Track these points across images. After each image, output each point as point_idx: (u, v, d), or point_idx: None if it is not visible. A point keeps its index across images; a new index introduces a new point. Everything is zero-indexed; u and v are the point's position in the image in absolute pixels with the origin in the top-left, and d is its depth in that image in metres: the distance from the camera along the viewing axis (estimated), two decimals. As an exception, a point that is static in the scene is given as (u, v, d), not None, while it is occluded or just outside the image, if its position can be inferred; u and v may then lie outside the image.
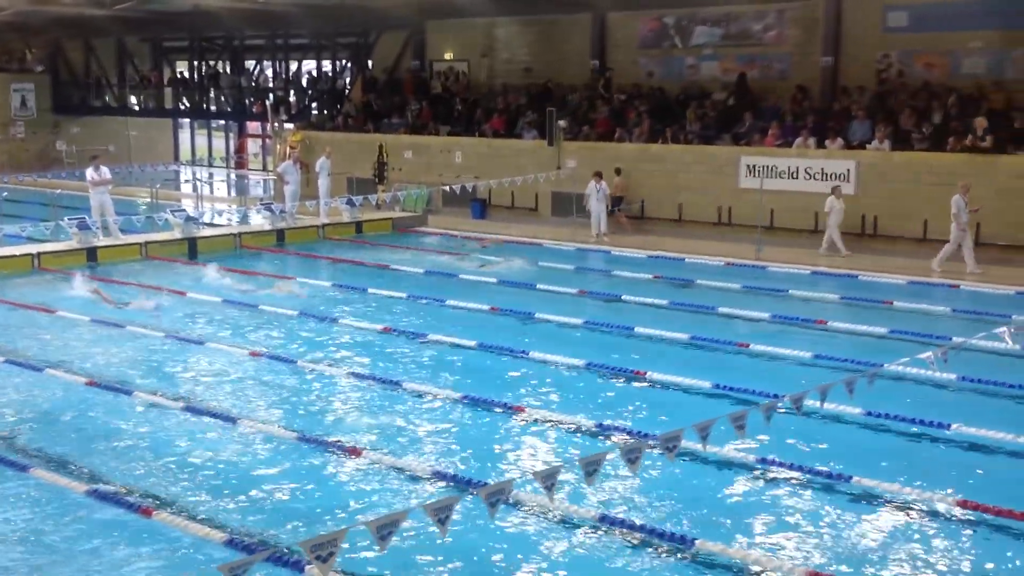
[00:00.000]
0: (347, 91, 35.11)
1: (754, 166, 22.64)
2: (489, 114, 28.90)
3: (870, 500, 8.81)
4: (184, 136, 42.99)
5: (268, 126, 33.92)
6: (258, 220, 24.49)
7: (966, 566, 7.70)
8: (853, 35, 24.64)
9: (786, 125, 23.54)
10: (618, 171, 24.50)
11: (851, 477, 9.07)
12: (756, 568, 7.57)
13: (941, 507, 8.57)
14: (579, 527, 8.29)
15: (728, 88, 26.05)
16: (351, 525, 5.64)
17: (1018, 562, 7.75)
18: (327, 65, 37.67)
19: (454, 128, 29.17)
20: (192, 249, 21.14)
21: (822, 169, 21.94)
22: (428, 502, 5.76)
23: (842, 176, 21.63)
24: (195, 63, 40.65)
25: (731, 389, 11.62)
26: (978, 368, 11.91)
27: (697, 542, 7.84)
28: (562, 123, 25.73)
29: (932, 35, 23.49)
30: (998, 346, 11.14)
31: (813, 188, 21.96)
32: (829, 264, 19.70)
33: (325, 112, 34.60)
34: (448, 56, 32.51)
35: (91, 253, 20.19)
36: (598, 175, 22.88)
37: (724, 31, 26.74)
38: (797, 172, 22.20)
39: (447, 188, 24.33)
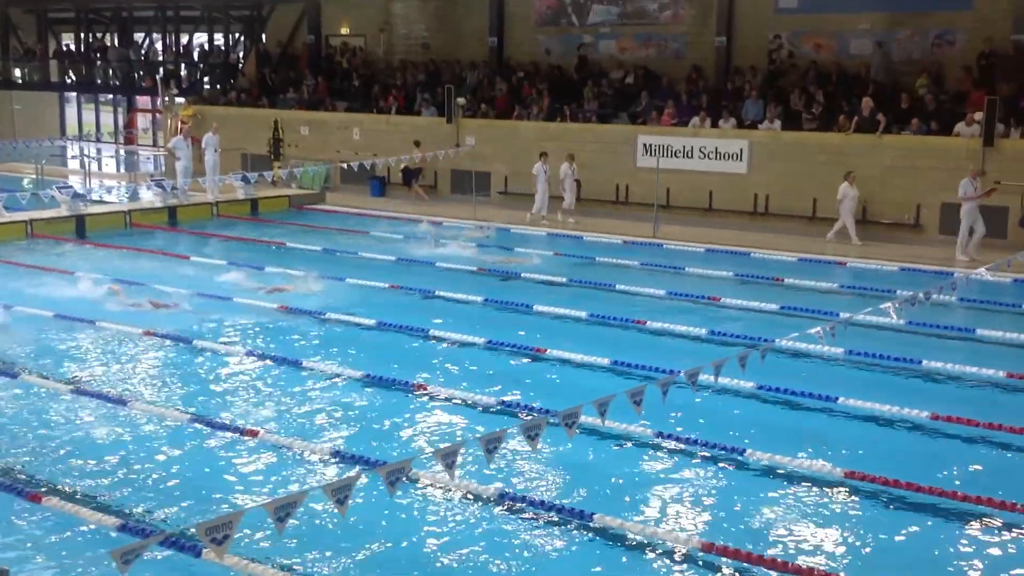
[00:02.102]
0: (240, 65, 34.39)
1: (651, 145, 22.92)
2: (387, 90, 28.64)
3: (762, 472, 9.04)
4: (71, 111, 41.60)
5: (158, 101, 33.04)
6: (149, 197, 23.89)
7: (853, 534, 7.97)
8: (746, 16, 25.07)
9: (681, 105, 23.86)
10: (417, 143, 25.16)
11: (744, 450, 9.29)
12: (654, 541, 7.72)
13: (830, 478, 8.84)
14: (480, 504, 8.33)
15: (625, 67, 26.28)
16: (247, 507, 5.56)
17: (902, 529, 8.04)
18: (219, 38, 36.81)
19: (351, 104, 28.83)
20: (80, 227, 20.54)
21: (716, 148, 22.32)
22: (327, 482, 5.73)
23: (735, 155, 22.04)
24: (82, 35, 39.31)
25: (629, 365, 11.79)
26: (865, 342, 12.30)
27: (596, 516, 7.95)
28: (461, 100, 25.65)
29: (821, 16, 24.04)
30: (884, 321, 11.52)
31: (707, 167, 22.35)
32: (835, 251, 19.26)
33: (218, 86, 33.83)
34: (344, 31, 32.08)
35: (-28, 231, 19.47)
36: (571, 157, 22.56)
37: (621, 10, 26.93)
38: (692, 151, 22.55)
39: (345, 165, 24.07)
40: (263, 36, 34.55)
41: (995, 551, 7.67)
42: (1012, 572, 7.38)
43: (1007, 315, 14.67)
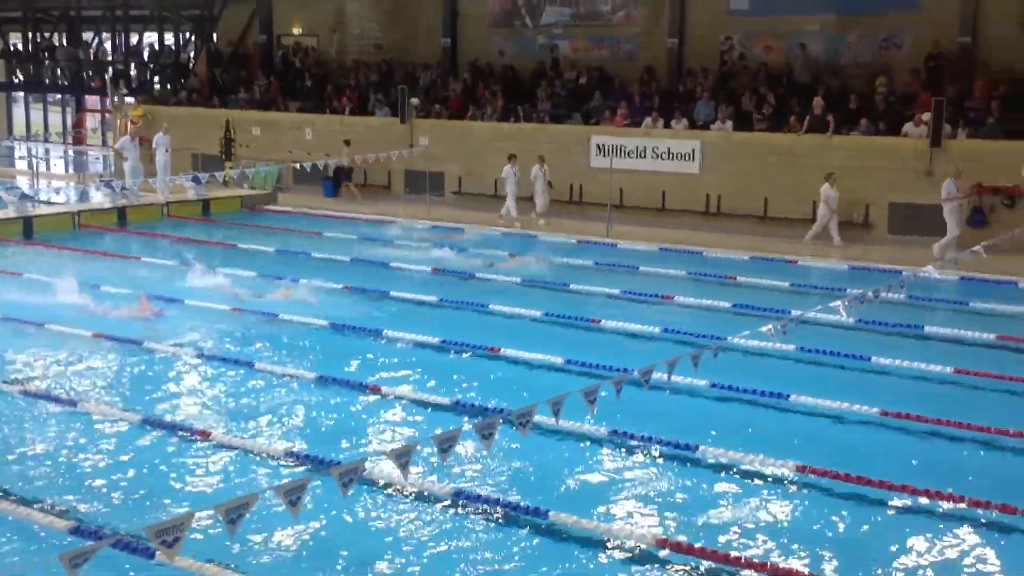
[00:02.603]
0: (191, 65, 34.07)
1: (604, 145, 23.02)
2: (340, 90, 28.50)
3: (716, 469, 9.11)
4: (19, 110, 40.96)
5: (107, 100, 32.62)
6: (98, 198, 23.58)
7: (806, 528, 8.06)
8: (697, 18, 25.27)
9: (634, 105, 23.99)
10: (347, 142, 25.19)
11: (698, 447, 9.36)
12: (608, 538, 7.75)
13: (781, 473, 8.93)
14: (435, 503, 8.32)
15: (578, 68, 26.37)
16: (198, 509, 5.51)
17: (853, 523, 8.14)
18: (170, 38, 36.41)
19: (304, 104, 28.66)
20: (28, 228, 20.21)
21: (668, 149, 22.46)
22: (279, 483, 5.69)
23: (687, 156, 22.19)
24: (30, 35, 38.67)
25: (583, 364, 11.83)
26: (816, 340, 12.44)
27: (551, 514, 7.97)
28: (414, 101, 25.59)
29: (771, 19, 24.30)
30: (834, 318, 11.65)
31: (660, 167, 22.50)
32: (813, 252, 19.25)
33: (168, 86, 33.49)
34: (296, 30, 31.88)
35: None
36: (541, 159, 22.45)
37: (574, 11, 27.02)
38: (645, 152, 22.67)
39: (298, 165, 23.92)
40: (214, 35, 34.22)
41: (944, 543, 7.79)
42: (961, 563, 7.50)
43: (954, 312, 14.91)
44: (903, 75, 22.30)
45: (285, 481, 6.32)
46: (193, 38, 35.81)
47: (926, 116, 19.98)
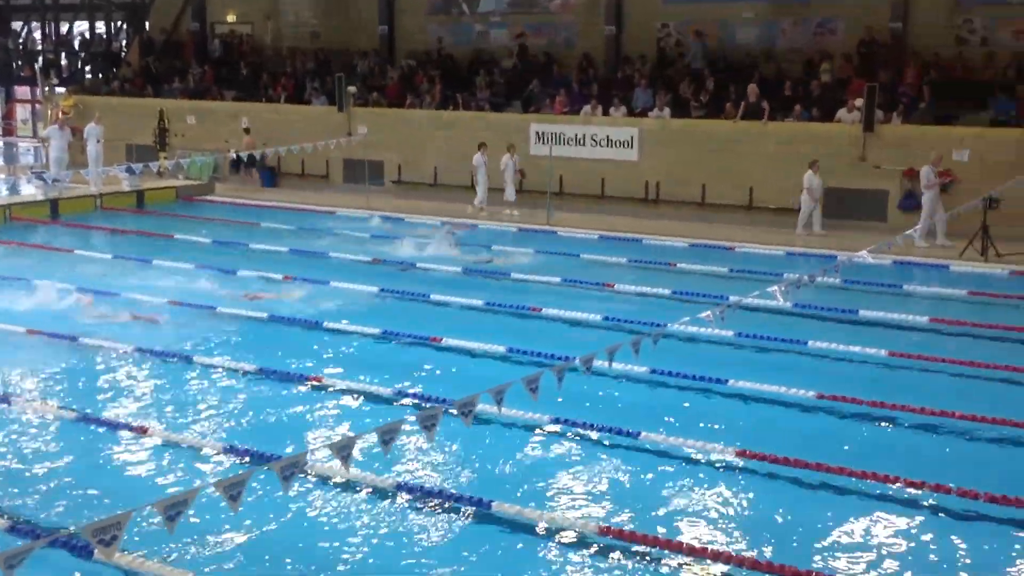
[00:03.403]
0: (123, 54, 33.47)
1: (543, 133, 23.04)
2: (276, 79, 28.20)
3: (657, 455, 9.19)
4: (-56, 101, 39.90)
5: (37, 91, 31.93)
6: (30, 190, 23.10)
7: (746, 511, 8.18)
8: (634, 5, 25.38)
9: (573, 93, 24.04)
10: (247, 130, 25.27)
11: (639, 433, 9.44)
12: (551, 527, 7.79)
13: (721, 458, 9.04)
14: (377, 495, 8.29)
15: (516, 55, 26.36)
16: (136, 507, 5.44)
17: (792, 505, 8.27)
18: (101, 27, 35.72)
19: (239, 93, 28.31)
20: (-44, 222, 19.76)
21: (607, 136, 22.55)
22: (219, 479, 5.63)
23: (626, 143, 22.30)
24: (-46, 23, 37.74)
25: (525, 352, 11.86)
26: (754, 325, 12.60)
27: (494, 504, 7.99)
28: (352, 89, 25.40)
29: (707, 6, 24.49)
30: (771, 303, 11.80)
31: (599, 155, 22.58)
32: (805, 244, 18.79)
33: (100, 76, 32.87)
34: (231, 18, 31.46)
35: None
36: (511, 148, 22.14)
37: (511, -1, 27.02)
38: (584, 139, 22.73)
39: (234, 155, 23.63)
40: (146, 24, 33.65)
41: (881, 524, 7.94)
42: (898, 543, 7.65)
43: (888, 296, 15.17)
44: (837, 61, 22.61)
45: (225, 476, 6.26)
46: (125, 27, 35.19)
47: (859, 102, 20.27)
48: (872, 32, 22.44)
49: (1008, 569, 7.28)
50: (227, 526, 7.61)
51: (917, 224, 16.88)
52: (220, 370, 11.34)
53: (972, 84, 21.04)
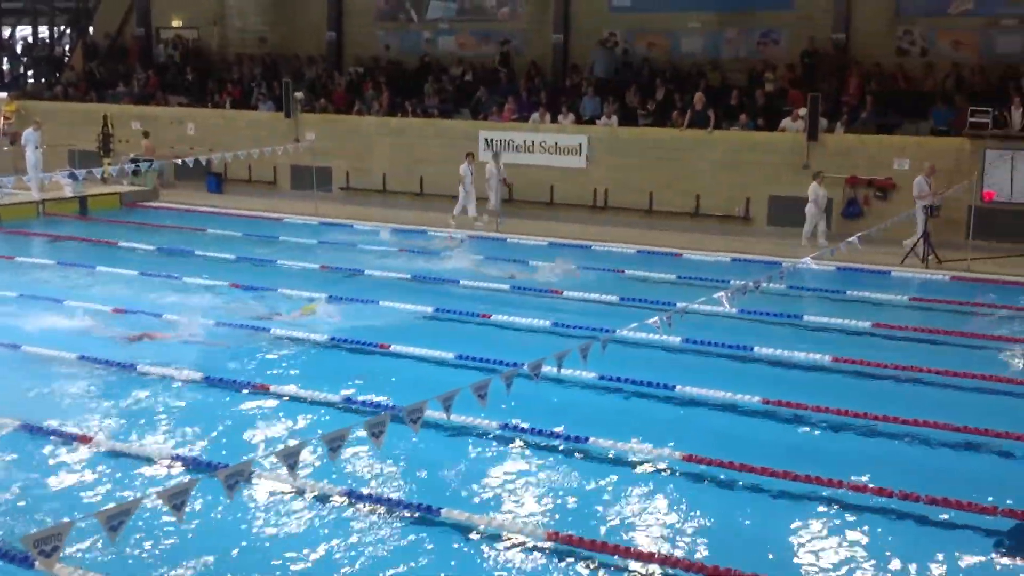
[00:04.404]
0: (67, 58, 32.97)
1: (492, 140, 23.06)
2: (222, 84, 27.95)
3: (606, 460, 9.24)
4: None
5: (-23, 95, 31.39)
6: (-31, 197, 22.65)
7: (692, 515, 8.23)
8: (581, 14, 25.52)
9: (521, 101, 24.11)
10: (146, 134, 25.44)
11: (588, 438, 9.48)
12: (500, 532, 7.79)
13: (669, 462, 9.11)
14: (325, 503, 8.24)
15: (464, 63, 26.40)
16: (78, 517, 5.36)
17: (738, 508, 8.35)
18: (44, 31, 35.19)
19: (185, 99, 28.02)
20: None
21: (556, 143, 22.63)
22: (162, 488, 5.57)
23: (574, 150, 22.40)
24: None
25: (474, 359, 11.86)
26: (700, 331, 12.70)
27: (443, 511, 7.98)
28: (299, 95, 25.26)
29: (653, 15, 24.69)
30: (717, 309, 11.92)
31: (548, 162, 22.64)
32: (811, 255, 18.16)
33: (43, 80, 32.35)
34: (176, 23, 31.14)
35: None
36: (496, 157, 21.88)
37: (459, 6, 27.02)
38: (533, 146, 22.80)
39: (180, 161, 23.36)
40: (90, 28, 33.19)
41: (824, 527, 8.05)
42: (840, 545, 7.76)
43: (831, 302, 15.38)
44: (781, 71, 22.89)
45: (169, 485, 6.19)
46: (68, 31, 34.69)
47: (802, 111, 20.55)
48: (815, 43, 22.76)
49: (947, 570, 7.40)
50: (171, 536, 7.52)
51: (862, 231, 17.13)
52: (166, 378, 11.20)
53: (913, 94, 21.41)
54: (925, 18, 22.19)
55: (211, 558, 7.36)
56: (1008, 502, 8.18)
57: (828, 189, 19.78)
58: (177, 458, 9.01)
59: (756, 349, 12.40)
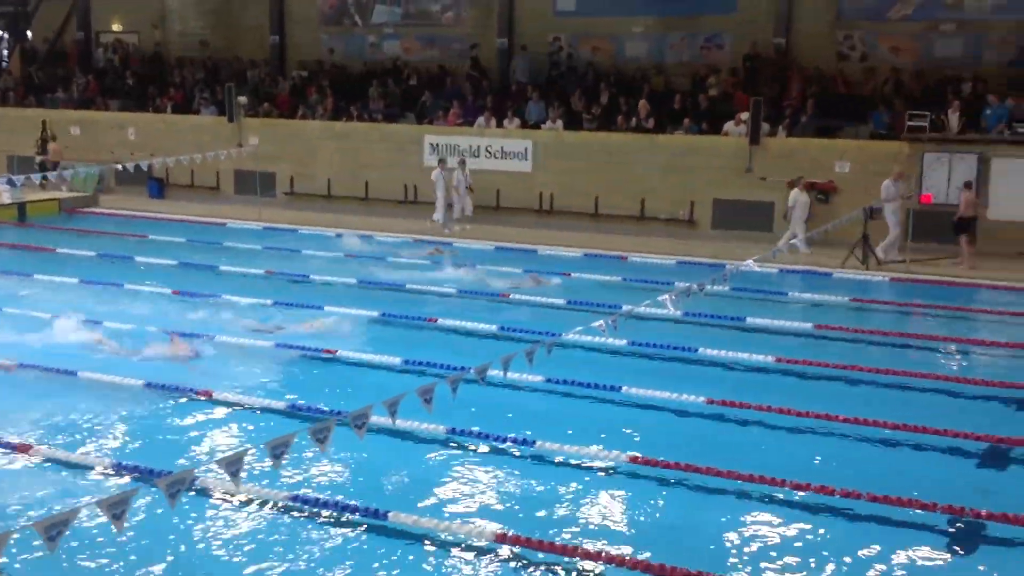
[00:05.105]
0: (4, 63, 32.39)
1: (438, 145, 23.04)
2: (164, 89, 27.62)
3: (552, 462, 9.26)
4: None
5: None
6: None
7: (640, 516, 8.28)
8: (526, 18, 25.59)
9: (467, 105, 24.11)
10: (54, 137, 25.34)
11: (534, 441, 9.49)
12: (449, 536, 7.78)
13: (616, 464, 9.14)
14: (271, 510, 8.17)
15: (409, 67, 26.34)
16: (15, 527, 5.26)
17: (684, 508, 8.41)
18: (-21, 34, 34.56)
19: (125, 103, 27.66)
20: None
21: (501, 148, 22.67)
22: (102, 497, 5.48)
23: (520, 155, 22.44)
24: None
25: (420, 363, 11.82)
26: (646, 333, 12.78)
27: (390, 515, 7.94)
28: (242, 99, 25.03)
29: (597, 20, 24.83)
30: (662, 312, 11.99)
31: (494, 166, 22.67)
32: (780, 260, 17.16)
33: (-21, 85, 31.75)
34: (116, 27, 30.73)
35: None
36: (462, 163, 21.85)
37: (404, 11, 26.97)
38: (479, 151, 22.81)
39: (120, 166, 23.04)
40: (28, 33, 32.62)
41: (768, 525, 8.13)
42: (784, 542, 7.84)
43: (774, 303, 15.55)
44: (724, 75, 23.13)
45: (110, 495, 6.09)
46: (6, 35, 34.05)
47: (745, 115, 20.77)
48: (757, 47, 23.03)
49: (886, 565, 7.52)
50: (112, 546, 7.41)
51: (799, 233, 17.37)
52: (107, 386, 11.03)
53: (853, 98, 21.75)
54: (865, 23, 22.55)
55: (156, 568, 7.25)
56: (947, 499, 8.32)
57: (767, 193, 20.01)
58: (119, 466, 8.87)
59: (701, 350, 12.50)
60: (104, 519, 5.56)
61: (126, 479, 8.65)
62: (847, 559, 7.58)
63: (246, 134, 24.90)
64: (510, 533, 7.76)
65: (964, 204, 17.91)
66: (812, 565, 7.51)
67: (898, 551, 7.71)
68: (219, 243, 19.82)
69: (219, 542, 7.67)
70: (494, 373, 8.16)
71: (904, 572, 7.44)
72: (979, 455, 9.58)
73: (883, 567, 7.49)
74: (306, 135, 24.56)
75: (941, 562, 7.64)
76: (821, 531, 8.06)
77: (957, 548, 7.85)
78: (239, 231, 21.27)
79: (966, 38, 21.79)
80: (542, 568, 7.35)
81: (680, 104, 22.27)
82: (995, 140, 19.00)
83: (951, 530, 8.07)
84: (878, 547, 7.75)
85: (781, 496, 8.56)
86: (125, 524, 5.48)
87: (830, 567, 7.49)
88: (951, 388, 11.45)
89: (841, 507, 8.35)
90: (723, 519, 8.20)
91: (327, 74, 26.84)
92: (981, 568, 7.60)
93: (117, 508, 5.41)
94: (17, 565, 6.97)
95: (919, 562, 7.59)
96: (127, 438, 9.72)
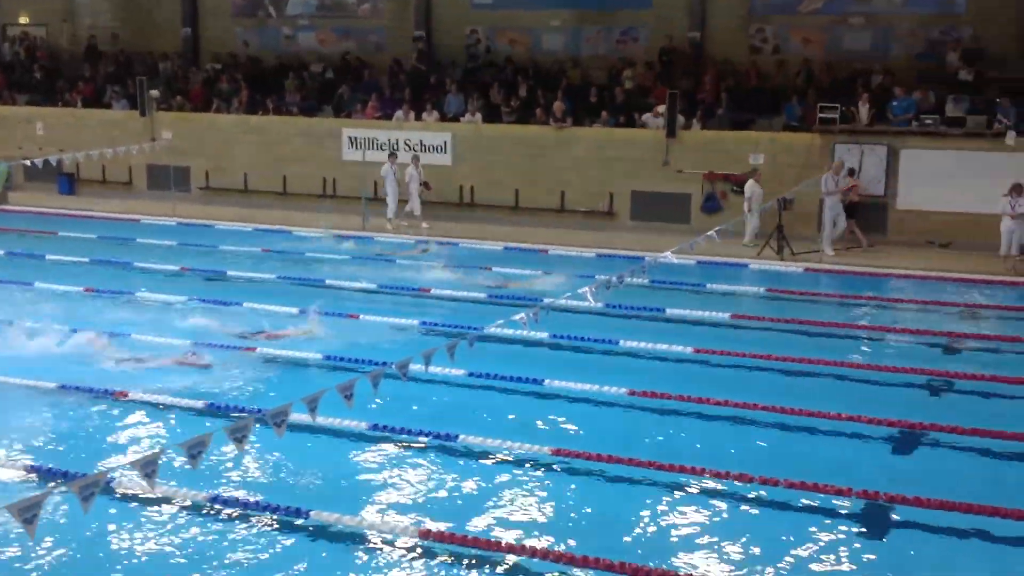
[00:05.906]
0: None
1: (356, 138, 22.85)
2: (73, 83, 26.94)
3: (475, 456, 9.26)
4: None
5: None
6: None
7: (563, 508, 8.33)
8: (443, 10, 25.50)
9: (385, 98, 23.94)
10: None
11: (457, 436, 9.48)
12: (371, 532, 7.74)
13: (538, 456, 9.18)
14: (189, 511, 8.04)
15: (325, 60, 26.07)
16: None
17: (606, 500, 8.48)
18: None
19: (33, 97, 26.92)
20: None
21: (420, 141, 22.55)
22: (13, 501, 5.33)
23: (439, 148, 22.36)
24: None
25: (340, 359, 11.73)
26: (567, 326, 12.85)
27: (312, 513, 7.88)
28: (154, 93, 24.53)
29: (515, 12, 24.84)
30: (583, 304, 12.07)
31: (413, 159, 22.53)
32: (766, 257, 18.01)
33: None
34: (23, 19, 29.88)
35: None
36: (415, 159, 21.27)
37: (319, 2, 26.67)
38: (398, 144, 22.65)
39: (28, 162, 22.41)
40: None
41: (689, 514, 8.25)
42: (706, 531, 7.96)
43: (692, 295, 15.75)
44: (639, 68, 23.32)
45: (21, 499, 5.93)
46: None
47: (662, 108, 20.97)
48: (672, 41, 23.27)
49: (802, 549, 7.67)
50: (24, 552, 7.23)
51: (720, 225, 17.58)
52: (17, 387, 10.74)
53: (766, 90, 22.09)
54: (777, 16, 22.92)
55: (66, 572, 7.09)
56: (861, 484, 8.51)
57: (684, 185, 20.22)
58: (31, 469, 8.64)
59: (621, 342, 12.61)
60: (14, 524, 5.41)
61: (38, 482, 8.44)
62: (765, 544, 7.72)
63: (159, 128, 24.40)
64: (434, 528, 7.75)
65: (851, 190, 18.57)
66: (732, 551, 7.63)
67: (814, 535, 7.88)
68: (132, 239, 19.41)
69: (135, 545, 7.53)
70: (416, 367, 8.14)
71: (820, 555, 7.61)
72: (890, 440, 9.83)
73: (800, 551, 7.64)
74: (221, 129, 24.16)
75: (857, 545, 7.81)
76: (740, 518, 8.19)
77: (869, 531, 8.05)
78: (153, 227, 20.85)
79: (875, 31, 22.29)
80: (466, 562, 7.36)
81: (597, 97, 22.39)
82: (904, 131, 19.46)
83: (864, 514, 8.26)
84: (795, 531, 7.91)
85: (701, 484, 8.69)
86: (35, 529, 5.33)
87: (753, 550, 7.62)
88: (864, 376, 11.72)
89: (759, 493, 8.50)
90: (645, 509, 8.29)
91: (241, 67, 26.43)
92: (893, 549, 7.80)
93: (29, 512, 5.26)
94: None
95: (835, 545, 7.76)
96: (38, 439, 9.47)
